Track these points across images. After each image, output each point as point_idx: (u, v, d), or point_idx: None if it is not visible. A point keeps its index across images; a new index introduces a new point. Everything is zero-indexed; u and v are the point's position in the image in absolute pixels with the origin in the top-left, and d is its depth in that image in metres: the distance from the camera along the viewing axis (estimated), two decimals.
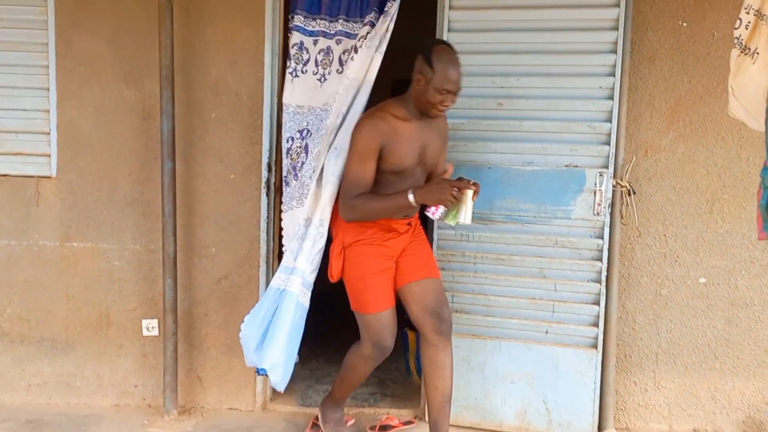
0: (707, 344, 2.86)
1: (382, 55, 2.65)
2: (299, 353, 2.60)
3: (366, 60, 2.64)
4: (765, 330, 2.83)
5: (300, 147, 2.73)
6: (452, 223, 2.33)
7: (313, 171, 2.56)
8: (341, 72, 2.72)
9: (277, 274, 2.57)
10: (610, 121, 2.64)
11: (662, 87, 2.76)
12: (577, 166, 2.68)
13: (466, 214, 2.28)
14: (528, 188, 2.73)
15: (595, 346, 2.70)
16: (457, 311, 2.82)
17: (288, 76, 2.77)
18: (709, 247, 2.80)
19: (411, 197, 2.28)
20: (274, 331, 2.47)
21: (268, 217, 2.89)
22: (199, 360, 2.95)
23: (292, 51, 2.76)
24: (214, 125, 2.88)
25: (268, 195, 2.89)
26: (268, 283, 2.87)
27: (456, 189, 2.25)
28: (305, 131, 2.74)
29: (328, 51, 2.78)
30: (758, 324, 2.84)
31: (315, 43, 2.78)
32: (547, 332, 2.74)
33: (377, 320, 2.41)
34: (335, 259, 2.46)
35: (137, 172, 2.92)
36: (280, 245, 2.93)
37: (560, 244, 2.71)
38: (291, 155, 2.75)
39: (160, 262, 2.86)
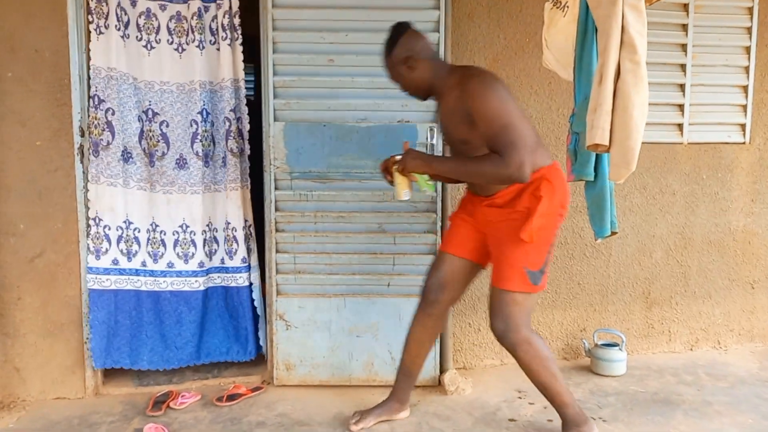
0: None
1: (233, 48, 2.67)
2: None
3: (206, 58, 2.69)
4: (577, 265, 3.16)
5: (157, 135, 2.73)
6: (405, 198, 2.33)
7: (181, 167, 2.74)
8: (173, 44, 2.70)
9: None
10: None
11: (481, 43, 2.91)
12: (408, 122, 2.75)
13: (397, 190, 2.29)
14: (363, 144, 2.75)
15: None
16: (299, 272, 2.79)
17: (119, 40, 2.64)
18: None
19: None
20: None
21: (85, 187, 2.63)
22: (15, 349, 2.64)
23: (117, 10, 2.63)
24: (12, 85, 2.53)
25: (82, 162, 2.62)
26: (88, 259, 2.65)
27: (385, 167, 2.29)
28: (150, 112, 2.72)
29: (149, 14, 2.65)
30: (572, 260, 3.15)
31: (133, 4, 2.66)
32: (389, 285, 2.81)
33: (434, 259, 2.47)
34: None
35: None
36: None
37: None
38: (147, 139, 2.71)
39: None
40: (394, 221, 2.79)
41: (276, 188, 2.76)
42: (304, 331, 2.82)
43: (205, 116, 2.76)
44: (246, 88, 2.84)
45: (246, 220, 2.85)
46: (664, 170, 3.20)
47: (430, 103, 2.71)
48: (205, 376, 2.89)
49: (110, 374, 2.83)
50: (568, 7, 1.96)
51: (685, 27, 3.12)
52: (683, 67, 3.14)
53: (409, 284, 2.80)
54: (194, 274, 2.80)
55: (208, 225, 2.83)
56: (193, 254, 2.80)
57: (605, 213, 2.10)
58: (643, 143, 3.12)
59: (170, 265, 2.79)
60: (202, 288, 2.83)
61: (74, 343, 2.67)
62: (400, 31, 2.24)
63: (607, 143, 1.76)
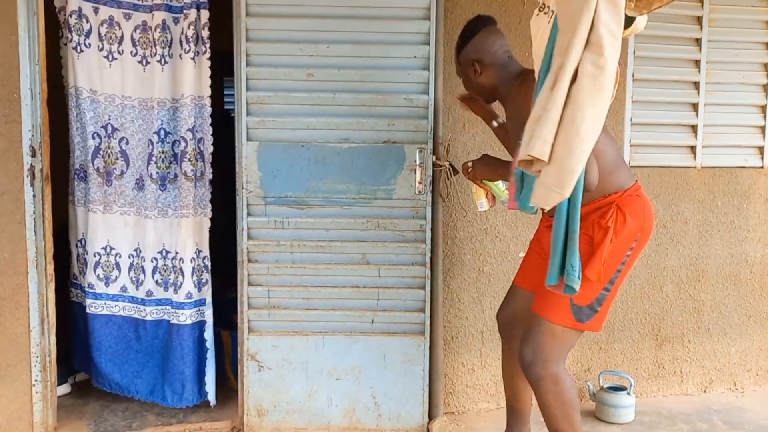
0: None
1: (197, 62, 2.48)
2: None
3: (168, 73, 2.51)
4: None
5: (116, 152, 2.57)
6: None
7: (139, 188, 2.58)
8: (137, 56, 2.52)
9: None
10: (427, 93, 2.49)
11: None
12: (396, 142, 2.50)
13: (473, 200, 2.21)
14: (346, 167, 2.51)
15: (422, 333, 2.56)
16: (274, 307, 2.54)
17: (71, 52, 2.47)
18: (527, 221, 2.79)
19: None
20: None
21: (35, 212, 2.39)
22: None
23: (72, 20, 2.44)
24: None
25: (33, 185, 2.38)
26: (39, 291, 2.39)
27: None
28: (109, 127, 2.55)
29: (111, 22, 2.49)
30: None
31: (96, 11, 2.47)
32: (373, 322, 2.56)
33: None
34: None
35: None
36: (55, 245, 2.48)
37: (382, 227, 2.53)
38: (104, 157, 2.56)
39: None
40: (379, 251, 2.54)
41: (249, 214, 2.51)
42: (278, 372, 2.55)
43: (162, 136, 2.55)
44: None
45: (200, 251, 2.59)
46: (676, 196, 2.95)
47: (419, 123, 2.48)
48: (169, 421, 2.62)
49: (62, 419, 2.58)
50: (554, 11, 1.67)
51: (698, 41, 2.88)
52: (696, 84, 2.90)
53: (395, 321, 2.56)
54: (143, 302, 2.65)
55: (160, 252, 2.61)
56: (142, 281, 2.64)
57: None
58: (653, 167, 2.92)
59: (123, 289, 2.66)
60: (149, 318, 2.65)
61: (21, 386, 2.41)
62: (476, 28, 2.06)
63: (546, 158, 1.44)
